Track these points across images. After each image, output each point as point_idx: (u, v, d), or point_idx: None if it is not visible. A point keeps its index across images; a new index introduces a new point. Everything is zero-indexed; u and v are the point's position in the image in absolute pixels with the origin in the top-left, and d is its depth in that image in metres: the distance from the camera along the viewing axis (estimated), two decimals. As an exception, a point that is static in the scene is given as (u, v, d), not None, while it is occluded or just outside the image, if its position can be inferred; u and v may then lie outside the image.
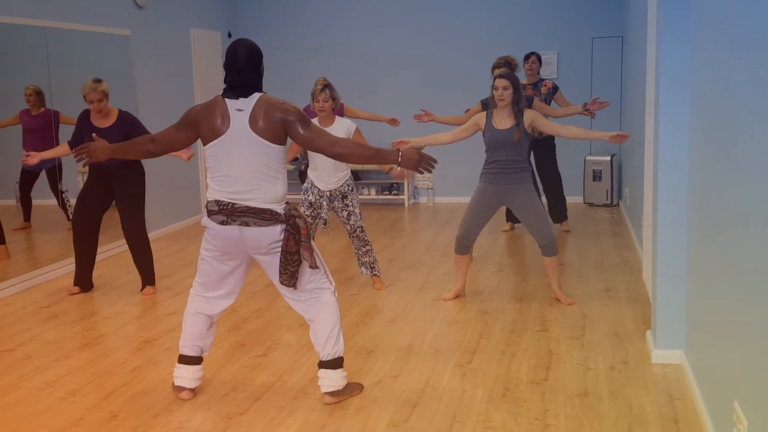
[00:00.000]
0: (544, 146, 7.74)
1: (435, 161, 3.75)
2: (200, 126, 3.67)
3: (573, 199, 9.12)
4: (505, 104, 5.28)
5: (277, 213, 3.64)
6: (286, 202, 3.74)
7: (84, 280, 6.10)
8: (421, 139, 5.41)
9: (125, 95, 7.74)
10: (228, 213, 3.63)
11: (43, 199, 7.04)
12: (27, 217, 7.07)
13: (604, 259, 6.76)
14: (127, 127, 5.76)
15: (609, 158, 9.42)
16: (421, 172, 3.76)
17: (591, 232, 7.94)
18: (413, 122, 6.73)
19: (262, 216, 3.62)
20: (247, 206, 3.62)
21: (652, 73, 5.01)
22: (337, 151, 3.69)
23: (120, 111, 5.86)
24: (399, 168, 3.83)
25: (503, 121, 5.31)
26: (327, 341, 3.83)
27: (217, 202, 3.66)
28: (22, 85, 6.83)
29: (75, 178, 6.05)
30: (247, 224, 3.63)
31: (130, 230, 5.99)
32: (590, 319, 5.11)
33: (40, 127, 6.78)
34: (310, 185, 5.82)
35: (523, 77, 7.60)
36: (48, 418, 3.81)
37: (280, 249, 3.65)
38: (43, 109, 6.86)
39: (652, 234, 4.43)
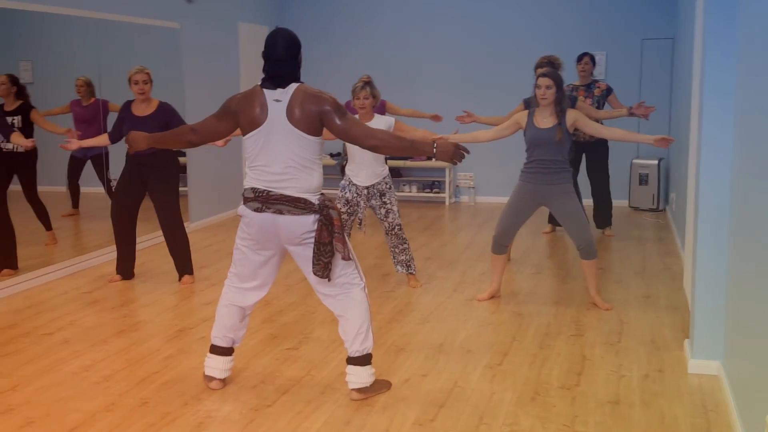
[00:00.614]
0: (596, 149, 7.61)
1: (467, 151, 3.70)
2: (239, 116, 3.69)
3: (618, 203, 8.96)
4: (547, 103, 5.21)
5: (311, 202, 3.64)
6: (321, 194, 3.74)
7: (125, 269, 6.18)
8: (461, 136, 5.36)
9: (173, 88, 7.84)
10: (263, 200, 3.64)
11: (92, 186, 7.16)
12: (75, 203, 7.20)
13: (646, 265, 6.64)
14: (166, 117, 5.83)
15: (656, 162, 9.25)
16: (455, 163, 3.72)
17: (634, 237, 7.80)
18: (454, 120, 6.68)
19: (296, 204, 3.62)
20: (282, 194, 3.62)
21: (697, 81, 4.91)
22: (372, 142, 3.68)
23: (160, 102, 5.93)
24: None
25: (545, 120, 5.25)
26: (356, 337, 3.82)
27: (253, 189, 3.68)
28: (73, 75, 6.94)
29: (122, 166, 6.14)
30: (281, 212, 3.63)
31: (164, 220, 6.04)
32: (627, 325, 5.01)
33: (90, 117, 6.89)
34: (347, 182, 5.81)
35: (567, 77, 7.51)
36: (80, 402, 3.87)
37: (313, 240, 3.64)
38: (93, 100, 6.98)
39: (693, 242, 4.33)
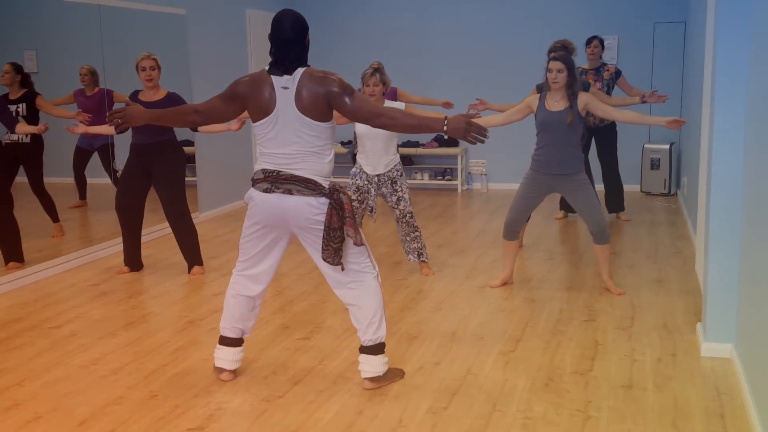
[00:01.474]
0: (605, 133, 7.60)
1: (485, 130, 3.53)
2: (248, 102, 3.67)
3: (630, 188, 8.92)
4: (558, 87, 5.19)
5: (321, 185, 3.62)
6: (332, 180, 3.72)
7: (133, 260, 6.19)
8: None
9: (180, 75, 7.83)
10: (273, 180, 3.62)
11: (99, 177, 7.16)
12: (82, 195, 7.21)
13: (658, 249, 6.62)
14: (173, 105, 5.80)
15: (668, 146, 9.20)
16: (472, 142, 3.56)
17: (646, 222, 7.77)
18: (466, 107, 6.64)
19: (306, 185, 3.59)
20: (292, 174, 3.60)
21: (709, 64, 4.87)
22: (382, 121, 3.64)
23: (169, 91, 5.91)
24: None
25: (556, 103, 5.22)
26: (369, 326, 3.80)
27: (263, 170, 3.67)
28: (77, 64, 6.93)
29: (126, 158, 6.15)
30: (290, 192, 3.60)
31: (170, 211, 6.02)
32: (639, 309, 5.00)
33: (94, 107, 6.88)
34: (358, 170, 5.80)
35: (581, 62, 7.47)
36: (89, 396, 3.87)
37: (322, 225, 3.61)
38: (97, 89, 6.97)
39: (705, 225, 4.31)
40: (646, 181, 9.37)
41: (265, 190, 3.65)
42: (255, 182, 3.71)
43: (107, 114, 3.84)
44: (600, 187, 7.83)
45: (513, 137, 9.15)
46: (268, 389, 3.89)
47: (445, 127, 3.55)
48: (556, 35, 8.71)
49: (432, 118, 3.70)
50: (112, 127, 5.46)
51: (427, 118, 3.74)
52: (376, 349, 3.83)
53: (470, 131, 3.53)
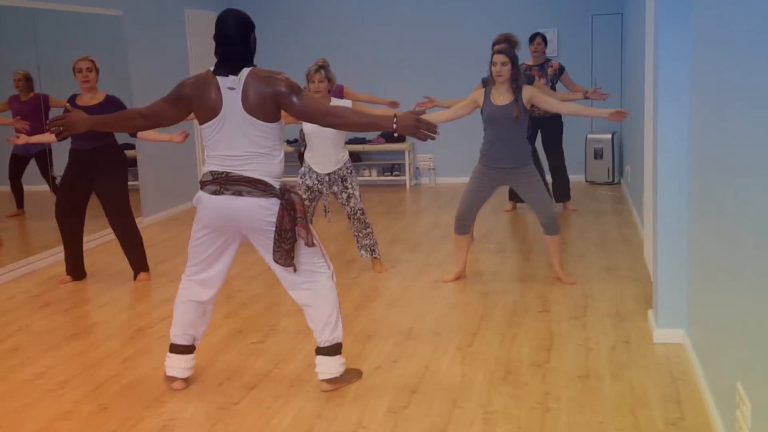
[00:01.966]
0: (550, 124, 7.68)
1: (436, 126, 3.52)
2: (194, 104, 3.58)
3: (574, 178, 9.01)
4: (503, 80, 5.19)
5: (272, 186, 3.55)
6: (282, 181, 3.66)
7: (76, 269, 6.02)
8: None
9: (118, 77, 7.65)
10: (222, 182, 3.54)
11: (37, 185, 6.97)
12: (20, 203, 7.01)
13: (606, 237, 6.69)
14: (113, 108, 5.65)
15: (610, 136, 9.33)
16: (422, 139, 3.53)
17: (592, 211, 7.86)
18: (413, 104, 6.62)
19: (256, 186, 3.52)
20: (241, 175, 3.52)
21: (651, 50, 4.92)
22: (331, 120, 3.59)
23: (108, 94, 5.77)
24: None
25: (502, 97, 5.23)
26: (325, 327, 3.75)
27: (211, 172, 3.58)
28: (10, 70, 6.73)
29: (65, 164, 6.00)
30: (240, 194, 3.52)
31: (114, 217, 5.88)
32: (591, 298, 5.04)
33: (29, 113, 6.68)
34: (307, 169, 5.73)
35: (524, 57, 7.51)
36: (35, 411, 3.74)
37: (273, 227, 3.54)
38: (32, 94, 6.78)
39: (653, 212, 4.35)
40: (590, 171, 9.49)
41: (214, 192, 3.57)
42: (203, 184, 3.62)
43: (48, 122, 3.71)
44: (546, 177, 7.91)
45: (460, 131, 9.14)
46: (223, 396, 3.81)
47: (394, 125, 3.50)
48: (498, 29, 8.73)
49: (381, 116, 3.65)
50: (54, 135, 5.31)
51: (376, 116, 3.69)
52: (333, 350, 3.78)
53: (420, 128, 3.50)
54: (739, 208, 2.79)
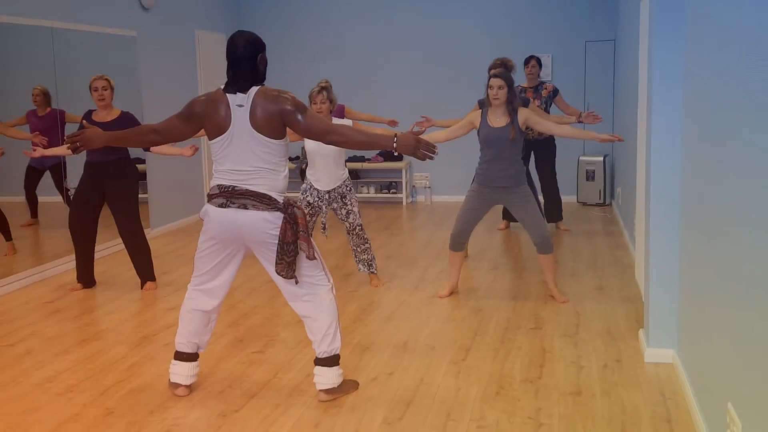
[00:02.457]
0: (544, 147, 7.65)
1: (434, 146, 3.51)
2: (204, 120, 3.56)
3: (566, 198, 8.99)
4: (499, 103, 5.16)
5: (276, 200, 3.52)
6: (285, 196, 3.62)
7: (86, 277, 5.98)
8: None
9: (131, 95, 7.64)
10: (228, 195, 3.51)
11: (50, 195, 6.93)
12: (34, 213, 6.96)
13: (597, 257, 6.63)
14: (127, 124, 5.64)
15: (602, 158, 9.29)
16: (422, 158, 3.51)
17: (584, 231, 7.81)
18: (412, 123, 6.59)
19: (261, 200, 3.49)
20: (247, 189, 3.50)
21: (644, 75, 4.89)
22: (334, 138, 3.56)
23: (122, 111, 5.75)
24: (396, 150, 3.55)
25: (498, 119, 5.19)
26: (324, 338, 3.70)
27: (219, 186, 3.56)
28: (29, 85, 6.70)
29: (80, 176, 5.96)
30: (245, 207, 3.49)
31: (124, 227, 5.85)
32: (584, 317, 4.97)
33: (46, 127, 6.65)
34: (308, 186, 5.69)
35: (520, 80, 7.49)
36: (44, 414, 3.68)
37: (276, 240, 3.50)
38: (49, 110, 6.74)
39: (645, 234, 4.30)
40: (582, 192, 9.45)
41: (221, 205, 3.53)
42: (210, 198, 3.59)
43: (66, 137, 3.68)
44: (539, 198, 7.86)
45: (456, 151, 9.13)
46: (224, 404, 3.75)
47: (394, 144, 3.48)
48: (495, 53, 8.71)
49: (382, 135, 3.61)
50: (70, 148, 5.27)
51: (377, 135, 3.65)
52: (331, 360, 3.72)
53: (420, 148, 3.48)
54: (731, 231, 2.74)
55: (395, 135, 3.51)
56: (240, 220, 3.52)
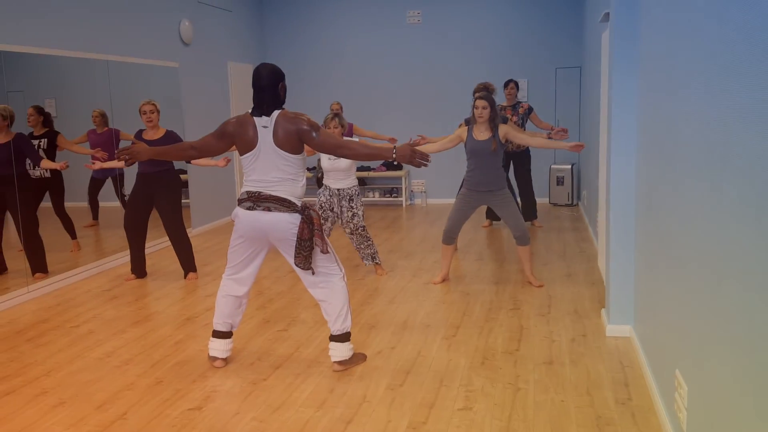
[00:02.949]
0: (521, 157, 7.65)
1: (428, 155, 3.54)
2: (235, 139, 3.58)
3: (540, 200, 9.00)
4: (483, 120, 5.17)
5: (295, 204, 3.54)
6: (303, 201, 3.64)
7: (138, 269, 5.99)
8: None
9: (174, 117, 7.64)
10: (255, 199, 3.54)
11: (109, 201, 6.94)
12: (95, 216, 6.97)
13: (566, 249, 6.63)
14: (171, 141, 5.67)
15: (570, 166, 9.27)
16: (417, 166, 3.54)
17: (555, 227, 7.80)
18: (407, 137, 6.60)
19: (282, 203, 3.52)
20: (271, 194, 3.52)
21: (605, 96, 4.88)
22: (344, 151, 3.58)
23: (167, 129, 5.77)
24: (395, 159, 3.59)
25: (482, 134, 5.20)
26: (337, 318, 3.71)
27: (247, 191, 3.58)
28: (89, 109, 6.72)
29: (133, 185, 5.98)
30: (269, 209, 3.52)
31: (170, 228, 5.85)
32: (554, 299, 4.97)
33: (104, 144, 6.66)
34: (323, 188, 5.71)
35: (500, 100, 7.50)
36: (105, 383, 3.70)
37: (295, 236, 3.53)
38: (106, 129, 6.75)
39: (606, 229, 4.30)
40: (553, 195, 9.43)
41: (248, 208, 3.56)
42: (240, 202, 3.61)
43: (116, 151, 3.71)
44: (517, 199, 7.86)
45: (446, 161, 9.20)
46: (254, 373, 3.76)
47: (394, 155, 3.52)
48: (479, 77, 8.75)
49: (383, 148, 3.63)
50: (122, 161, 5.31)
51: (379, 148, 3.66)
52: (343, 337, 3.74)
53: (415, 156, 3.51)
54: (676, 226, 2.75)
55: (394, 147, 3.54)
56: (264, 220, 3.54)
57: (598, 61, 6.03)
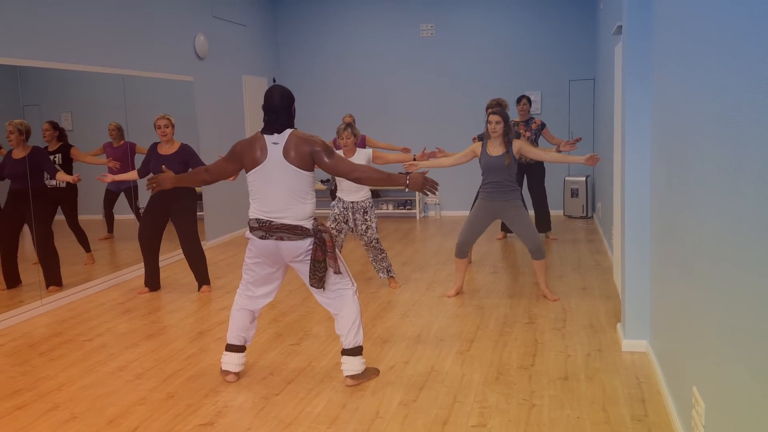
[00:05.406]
0: (535, 170, 7.60)
1: (437, 184, 3.60)
2: (243, 157, 3.59)
3: (554, 212, 8.95)
4: (497, 135, 5.14)
5: (306, 228, 3.54)
6: (315, 219, 3.62)
7: (152, 282, 5.99)
8: (427, 162, 5.27)
9: (189, 130, 7.68)
10: (266, 229, 3.55)
11: (123, 214, 6.98)
12: (110, 229, 7.00)
13: (581, 262, 6.56)
14: (186, 155, 5.69)
15: (584, 179, 9.22)
16: (426, 194, 3.61)
17: (570, 240, 7.73)
18: (420, 148, 6.57)
19: (294, 231, 3.52)
20: (281, 223, 3.52)
21: (619, 108, 4.84)
22: (356, 175, 3.58)
23: (182, 143, 5.79)
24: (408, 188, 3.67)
25: (496, 149, 5.17)
26: (349, 332, 3.69)
27: (257, 220, 3.57)
28: (105, 122, 6.77)
29: (148, 198, 6.00)
30: (281, 239, 3.53)
31: (185, 240, 5.86)
32: (570, 313, 4.92)
33: (119, 157, 6.71)
34: (337, 200, 5.70)
35: (512, 115, 7.48)
36: (117, 397, 3.69)
37: (310, 258, 3.53)
38: (122, 142, 6.80)
39: (621, 241, 4.25)
40: (567, 207, 9.36)
41: (261, 237, 3.58)
42: (252, 229, 3.61)
43: (147, 181, 3.79)
44: (531, 212, 7.82)
45: (459, 175, 9.18)
46: (266, 388, 3.74)
47: (407, 182, 3.56)
48: (491, 92, 8.73)
49: (396, 175, 3.62)
50: (134, 172, 5.35)
51: (392, 175, 3.64)
52: (356, 351, 3.71)
53: (426, 185, 3.57)
54: (694, 237, 2.70)
55: (408, 175, 3.58)
56: (279, 248, 3.58)
57: (611, 73, 5.99)
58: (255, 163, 3.54)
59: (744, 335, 2.00)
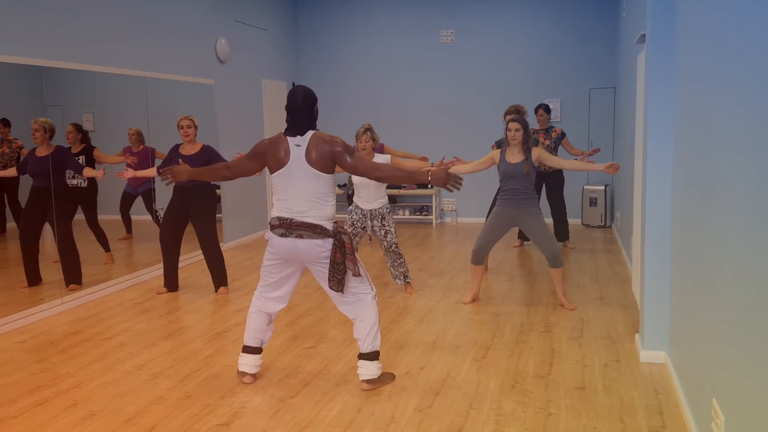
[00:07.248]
0: (554, 178, 7.58)
1: (461, 179, 3.56)
2: (267, 158, 3.62)
3: (573, 221, 8.91)
4: (516, 143, 5.14)
5: (326, 228, 3.55)
6: (335, 222, 3.64)
7: (171, 282, 6.05)
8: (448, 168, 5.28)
9: (210, 132, 7.74)
10: (287, 226, 3.56)
11: (142, 215, 7.04)
12: (128, 229, 7.07)
13: (599, 271, 6.53)
14: (208, 155, 5.75)
15: (603, 187, 9.17)
16: (450, 190, 3.59)
17: (588, 249, 7.70)
18: (438, 157, 6.59)
19: (314, 230, 3.54)
20: (302, 221, 3.54)
21: (641, 117, 4.83)
22: (378, 174, 3.59)
23: (204, 144, 5.85)
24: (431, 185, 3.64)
25: (515, 156, 5.17)
26: (367, 336, 3.70)
27: (279, 218, 3.60)
28: (126, 126, 6.85)
29: (167, 200, 6.05)
30: (301, 236, 3.55)
31: (204, 241, 5.91)
32: (587, 322, 4.89)
33: (139, 162, 6.77)
34: (354, 207, 5.72)
35: (532, 123, 7.46)
36: (134, 396, 3.73)
37: (329, 260, 3.55)
38: (142, 147, 6.86)
39: (640, 251, 4.23)
40: (586, 216, 9.32)
41: (281, 235, 3.60)
42: (273, 227, 3.64)
43: (160, 170, 3.84)
44: (549, 220, 7.80)
45: (476, 182, 9.16)
46: (283, 390, 3.76)
47: (429, 178, 3.54)
48: (510, 99, 8.71)
49: (418, 171, 3.63)
50: (153, 169, 5.41)
51: (414, 171, 3.66)
52: (372, 356, 3.72)
53: (449, 180, 3.54)
54: (714, 247, 2.69)
55: (429, 171, 3.55)
56: (298, 247, 3.58)
57: (633, 82, 5.98)
58: (279, 165, 3.57)
59: (766, 348, 1.99)
